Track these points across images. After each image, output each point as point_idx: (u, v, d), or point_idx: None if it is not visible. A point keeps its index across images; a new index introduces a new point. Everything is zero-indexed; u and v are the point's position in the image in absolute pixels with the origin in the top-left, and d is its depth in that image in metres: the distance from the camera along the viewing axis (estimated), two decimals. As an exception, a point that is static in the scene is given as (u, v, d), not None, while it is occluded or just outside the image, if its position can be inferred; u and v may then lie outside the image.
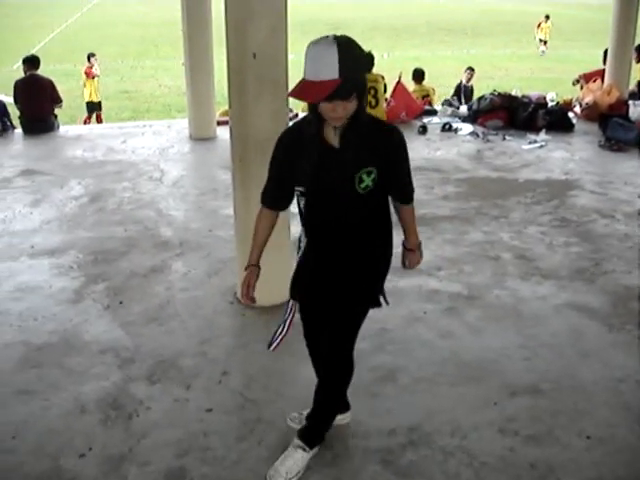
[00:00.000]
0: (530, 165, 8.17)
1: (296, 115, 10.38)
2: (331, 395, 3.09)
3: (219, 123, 9.24)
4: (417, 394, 3.20)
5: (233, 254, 4.87)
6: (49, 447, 3.26)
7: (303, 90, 2.46)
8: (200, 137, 9.05)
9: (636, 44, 11.38)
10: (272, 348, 3.06)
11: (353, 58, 2.43)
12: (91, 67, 13.96)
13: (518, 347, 4.16)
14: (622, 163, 8.39)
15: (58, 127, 9.82)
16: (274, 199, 2.89)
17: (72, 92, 15.49)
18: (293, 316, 3.01)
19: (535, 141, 9.20)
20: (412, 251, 3.05)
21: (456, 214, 6.28)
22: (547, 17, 28.71)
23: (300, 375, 3.83)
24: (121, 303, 4.65)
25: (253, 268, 2.95)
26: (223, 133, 8.60)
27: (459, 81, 14.06)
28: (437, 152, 8.72)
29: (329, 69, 2.38)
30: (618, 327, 4.42)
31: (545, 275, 5.13)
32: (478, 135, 9.50)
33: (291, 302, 3.01)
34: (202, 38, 8.80)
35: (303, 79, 2.46)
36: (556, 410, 3.58)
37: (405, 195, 2.89)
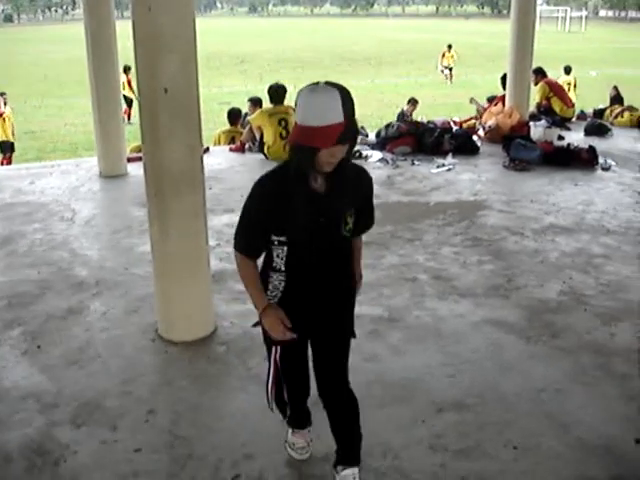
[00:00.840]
0: (440, 188, 8.38)
1: (207, 149, 10.39)
2: (356, 417, 3.08)
3: (130, 160, 9.14)
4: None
5: (151, 290, 4.81)
6: (-28, 501, 3.14)
7: (309, 136, 2.46)
8: (110, 174, 8.89)
9: (533, 67, 11.90)
10: (272, 407, 3.09)
11: (351, 101, 2.49)
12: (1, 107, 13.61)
13: (441, 365, 4.25)
14: (527, 182, 8.71)
15: (-40, 170, 9.52)
16: (253, 248, 2.80)
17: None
18: (277, 363, 2.94)
19: (443, 165, 9.44)
20: (360, 279, 3.15)
21: (372, 239, 6.34)
22: (449, 46, 29.65)
23: (229, 408, 3.83)
24: (39, 347, 4.52)
25: (272, 306, 2.81)
26: (135, 169, 8.53)
27: (400, 110, 14.53)
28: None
29: (334, 113, 2.43)
30: (535, 339, 4.57)
31: (461, 294, 5.27)
32: (387, 161, 9.68)
33: (273, 350, 2.93)
34: (109, 73, 8.67)
35: (302, 126, 2.48)
36: (482, 423, 3.67)
37: (367, 228, 3.00)
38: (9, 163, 13.17)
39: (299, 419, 3.31)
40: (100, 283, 5.54)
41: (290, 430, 3.36)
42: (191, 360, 4.35)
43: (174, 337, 4.55)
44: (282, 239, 2.72)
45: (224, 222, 6.51)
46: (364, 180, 2.85)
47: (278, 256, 2.77)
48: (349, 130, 2.49)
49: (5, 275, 5.76)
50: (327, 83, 2.48)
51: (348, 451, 3.12)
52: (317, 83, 2.50)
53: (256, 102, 10.76)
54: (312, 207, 2.65)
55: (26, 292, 5.39)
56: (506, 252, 6.17)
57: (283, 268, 2.78)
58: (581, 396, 3.94)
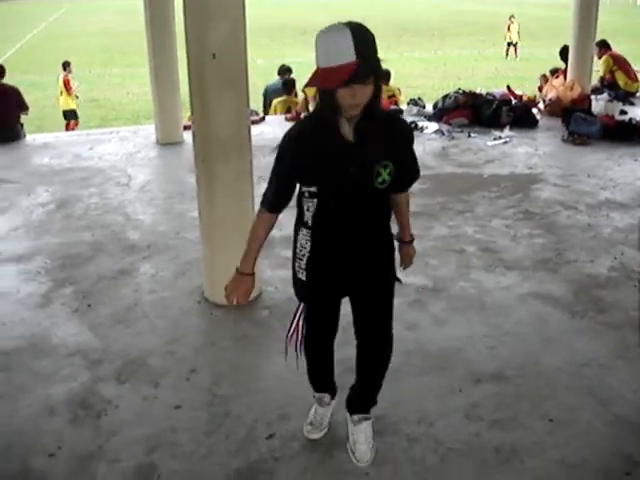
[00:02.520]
0: (494, 161, 8.27)
1: (263, 118, 10.45)
2: (384, 371, 3.11)
3: (186, 127, 9.24)
4: (383, 384, 3.24)
5: (200, 255, 4.89)
6: (18, 448, 3.27)
7: (321, 77, 2.38)
8: (167, 142, 9.05)
9: (597, 40, 11.58)
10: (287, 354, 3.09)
11: (367, 40, 2.38)
12: (67, 76, 13.90)
13: (482, 336, 4.23)
14: (585, 156, 8.52)
15: (24, 135, 9.76)
16: (279, 201, 2.71)
17: (38, 102, 15.43)
18: (299, 318, 2.95)
19: (499, 137, 9.31)
20: (410, 243, 3.09)
21: (422, 210, 6.34)
22: (512, 17, 28.72)
23: (268, 370, 3.89)
24: (89, 306, 4.65)
25: (249, 278, 2.82)
26: (190, 137, 8.62)
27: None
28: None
29: (346, 53, 2.31)
30: (581, 314, 4.51)
31: (509, 266, 5.22)
32: (443, 133, 9.59)
33: (301, 305, 2.94)
34: (166, 43, 8.79)
35: (318, 68, 2.39)
36: (520, 395, 3.65)
37: (411, 182, 2.86)
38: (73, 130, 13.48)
39: (320, 379, 3.30)
40: (151, 246, 5.66)
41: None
42: (235, 323, 4.42)
43: (219, 300, 4.61)
44: (312, 190, 2.64)
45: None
46: (400, 128, 2.71)
47: (308, 209, 2.70)
48: (364, 69, 2.35)
49: (60, 237, 5.93)
50: (345, 23, 2.37)
51: (362, 398, 3.20)
52: (335, 24, 2.40)
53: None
54: (341, 156, 2.56)
55: (80, 253, 5.55)
56: (558, 226, 6.07)
57: (311, 223, 2.72)
58: (624, 372, 3.87)
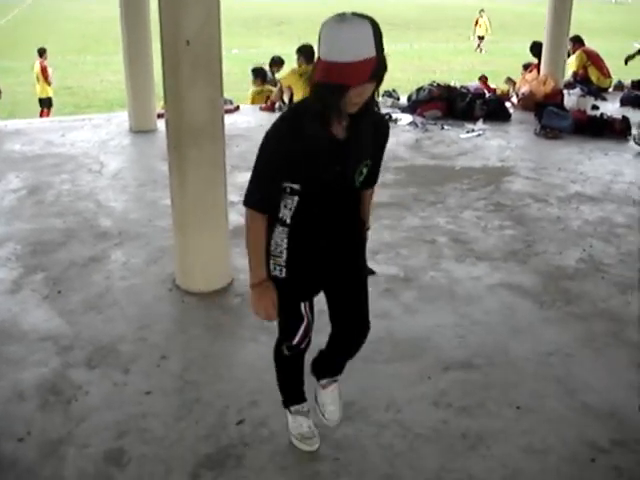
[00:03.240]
0: (467, 153, 8.33)
1: (237, 107, 10.41)
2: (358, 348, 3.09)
3: (159, 116, 9.19)
4: (353, 372, 3.27)
5: (171, 242, 4.88)
6: (-13, 434, 3.26)
7: (340, 73, 2.21)
8: (140, 129, 8.99)
9: (571, 35, 11.68)
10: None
11: (382, 36, 2.27)
12: (44, 62, 13.81)
13: (452, 325, 4.27)
14: (556, 150, 8.62)
15: (-5, 121, 9.67)
16: (269, 200, 2.58)
17: (11, 88, 15.26)
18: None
19: (472, 130, 9.38)
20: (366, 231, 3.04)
21: (394, 201, 6.38)
22: (481, 11, 28.61)
23: (239, 357, 3.91)
24: (59, 292, 4.63)
25: (268, 283, 2.69)
26: (164, 126, 8.58)
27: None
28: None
29: (367, 47, 2.20)
30: (549, 304, 4.57)
31: (479, 257, 5.27)
32: (417, 125, 9.63)
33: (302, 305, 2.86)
34: (140, 31, 8.73)
35: (329, 61, 2.22)
36: (488, 383, 3.70)
37: (376, 179, 2.81)
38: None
39: (297, 389, 3.19)
40: (123, 234, 5.64)
41: (289, 415, 3.21)
42: (206, 310, 4.43)
43: (191, 287, 4.63)
44: (295, 187, 2.53)
45: (247, 179, 6.54)
46: (383, 128, 2.69)
47: (286, 206, 2.59)
48: (381, 66, 2.26)
49: (31, 223, 5.88)
50: (355, 14, 2.22)
51: (337, 368, 3.21)
52: (344, 14, 2.22)
53: (277, 62, 10.91)
54: (330, 154, 2.48)
55: (51, 240, 5.51)
56: (528, 218, 6.14)
57: (289, 221, 2.61)
58: (590, 362, 3.94)
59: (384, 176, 6.97)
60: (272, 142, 2.49)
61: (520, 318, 4.40)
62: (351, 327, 3.00)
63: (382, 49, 2.26)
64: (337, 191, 2.60)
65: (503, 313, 4.45)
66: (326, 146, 2.47)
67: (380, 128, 2.67)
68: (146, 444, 3.19)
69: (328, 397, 3.23)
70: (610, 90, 12.50)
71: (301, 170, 2.50)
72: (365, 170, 2.60)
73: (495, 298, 4.64)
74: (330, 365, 3.21)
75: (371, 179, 2.74)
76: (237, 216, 5.46)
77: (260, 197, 2.57)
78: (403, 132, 9.27)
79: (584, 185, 7.12)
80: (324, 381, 3.24)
